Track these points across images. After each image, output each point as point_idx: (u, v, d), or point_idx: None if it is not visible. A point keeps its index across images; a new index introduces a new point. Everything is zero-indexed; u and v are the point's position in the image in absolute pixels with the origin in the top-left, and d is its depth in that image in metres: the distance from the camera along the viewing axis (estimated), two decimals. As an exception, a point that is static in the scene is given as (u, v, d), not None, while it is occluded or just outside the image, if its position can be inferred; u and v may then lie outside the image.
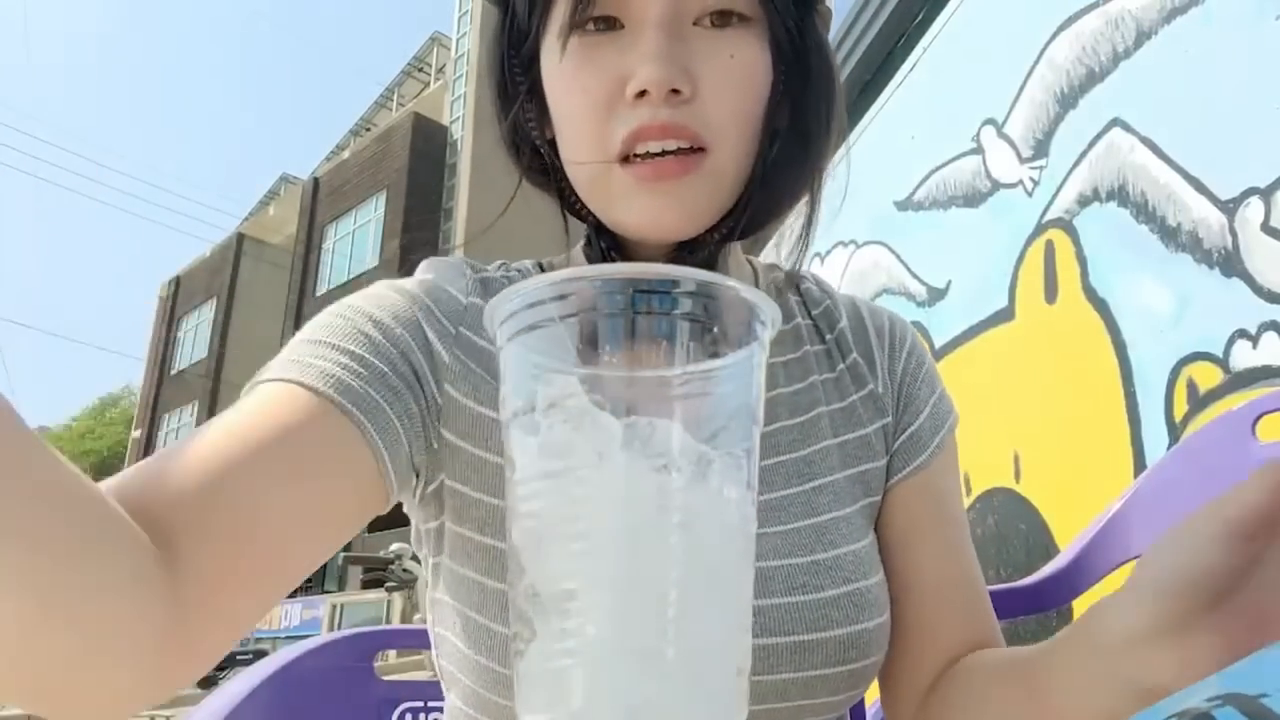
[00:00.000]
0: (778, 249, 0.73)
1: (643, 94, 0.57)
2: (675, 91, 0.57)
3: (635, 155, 0.59)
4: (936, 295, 2.58)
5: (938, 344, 2.55)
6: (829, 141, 0.67)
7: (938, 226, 2.62)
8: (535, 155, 0.68)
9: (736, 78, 0.59)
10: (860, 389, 0.72)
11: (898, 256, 2.87)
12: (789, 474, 0.68)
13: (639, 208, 0.60)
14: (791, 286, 0.77)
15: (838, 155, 0.69)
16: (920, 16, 3.02)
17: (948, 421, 0.74)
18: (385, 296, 0.62)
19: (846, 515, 0.67)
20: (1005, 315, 2.19)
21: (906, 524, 0.70)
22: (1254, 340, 1.41)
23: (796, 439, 0.69)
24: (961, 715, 0.62)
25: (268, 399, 0.53)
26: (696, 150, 0.59)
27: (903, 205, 2.82)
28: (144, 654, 0.42)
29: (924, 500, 0.71)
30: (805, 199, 0.68)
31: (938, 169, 2.61)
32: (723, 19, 0.59)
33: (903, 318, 0.81)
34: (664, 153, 0.58)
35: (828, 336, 0.74)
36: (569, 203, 0.69)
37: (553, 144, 0.67)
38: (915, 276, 2.73)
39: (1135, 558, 1.00)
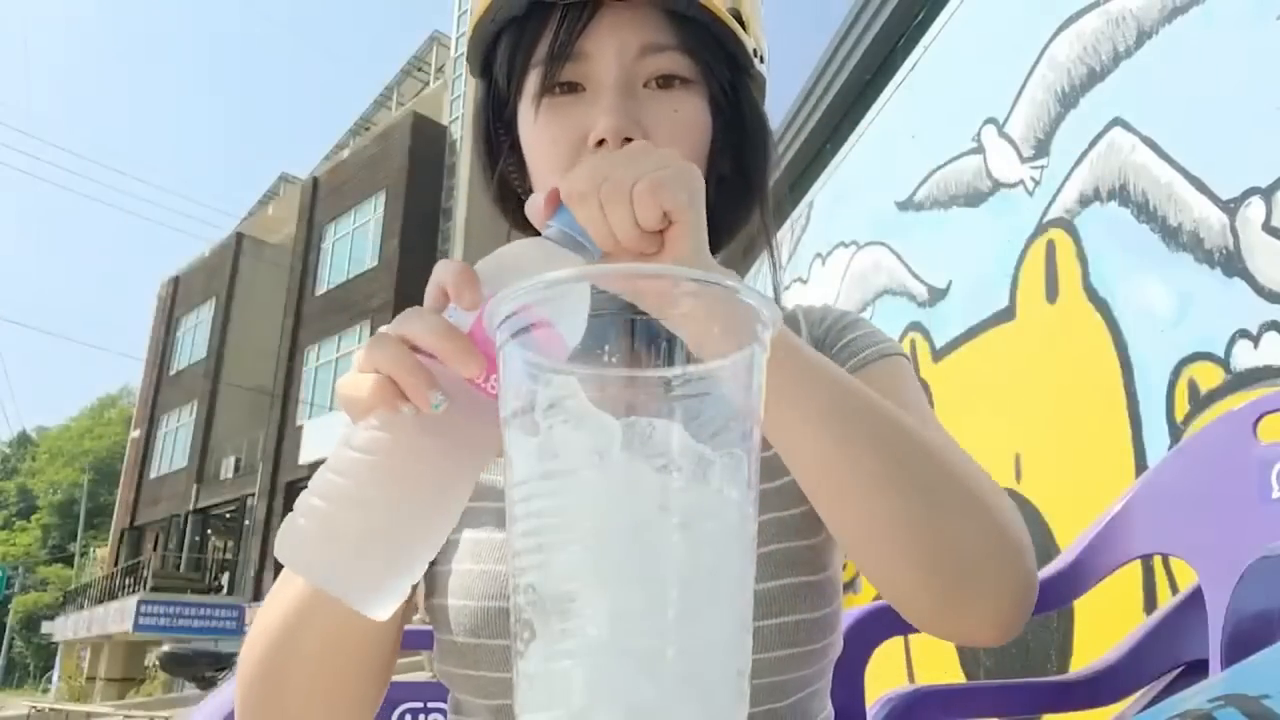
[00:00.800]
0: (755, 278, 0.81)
1: (601, 142, 0.68)
2: (628, 139, 0.68)
3: None
4: (937, 295, 2.58)
5: (938, 344, 2.54)
6: (767, 185, 0.80)
7: (938, 226, 2.61)
8: (519, 204, 0.80)
9: (680, 128, 0.71)
10: None
11: (898, 257, 2.87)
12: None
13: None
14: None
15: (798, 210, 0.80)
16: (920, 16, 3.02)
17: (876, 348, 0.78)
18: None
19: (775, 487, 0.73)
20: (1006, 315, 2.19)
21: None
22: (1255, 340, 1.41)
23: None
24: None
25: None
26: None
27: (903, 205, 2.82)
28: None
29: None
30: (761, 240, 0.81)
31: (938, 169, 2.60)
32: (667, 81, 0.71)
33: (844, 309, 0.86)
34: None
35: None
36: None
37: (530, 193, 0.77)
38: (916, 276, 2.73)
39: (1137, 558, 1.00)
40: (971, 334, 2.35)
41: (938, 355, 2.53)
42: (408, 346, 0.48)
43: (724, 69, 0.74)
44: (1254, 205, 1.43)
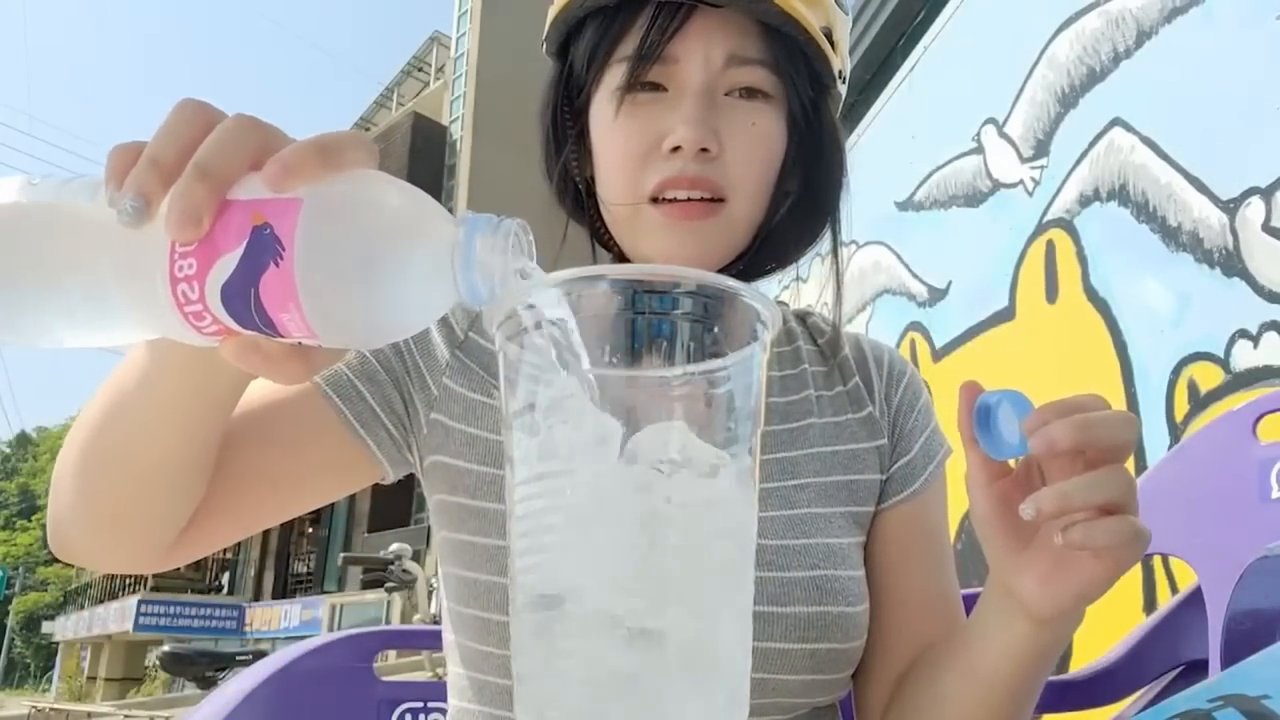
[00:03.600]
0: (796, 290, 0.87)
1: (677, 149, 0.68)
2: (704, 150, 0.68)
3: (664, 199, 0.70)
4: (937, 295, 2.58)
5: (938, 344, 2.55)
6: (838, 204, 0.78)
7: (938, 226, 2.61)
8: (577, 191, 0.79)
9: (756, 143, 0.71)
10: (858, 410, 0.80)
11: (898, 256, 2.87)
12: (771, 471, 0.74)
13: (662, 242, 0.71)
14: (797, 318, 0.87)
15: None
16: (920, 16, 3.02)
17: (939, 455, 0.81)
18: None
19: (826, 514, 0.74)
20: (1006, 315, 2.19)
21: (897, 544, 0.78)
22: (1255, 340, 1.41)
23: (785, 441, 0.76)
24: (914, 698, 0.71)
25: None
26: (717, 200, 0.70)
27: (903, 205, 2.82)
28: (168, 537, 0.63)
29: (914, 525, 0.79)
30: (829, 260, 0.81)
31: (938, 169, 2.60)
32: (748, 94, 0.71)
33: (901, 355, 0.87)
34: (689, 199, 0.69)
35: (831, 361, 0.83)
36: (599, 234, 0.79)
37: (590, 181, 0.77)
38: (916, 276, 2.73)
39: (1136, 558, 1.00)
40: (971, 334, 2.35)
41: (938, 355, 2.53)
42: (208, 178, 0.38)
43: (807, 86, 0.72)
44: (1254, 205, 1.44)
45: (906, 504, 0.78)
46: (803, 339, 0.84)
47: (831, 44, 0.72)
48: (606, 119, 0.72)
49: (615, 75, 0.71)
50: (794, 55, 0.71)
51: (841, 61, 0.74)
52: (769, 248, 0.76)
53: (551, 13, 0.75)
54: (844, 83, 0.76)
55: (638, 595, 0.38)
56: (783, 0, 0.68)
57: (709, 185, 0.69)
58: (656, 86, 0.70)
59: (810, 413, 0.78)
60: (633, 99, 0.71)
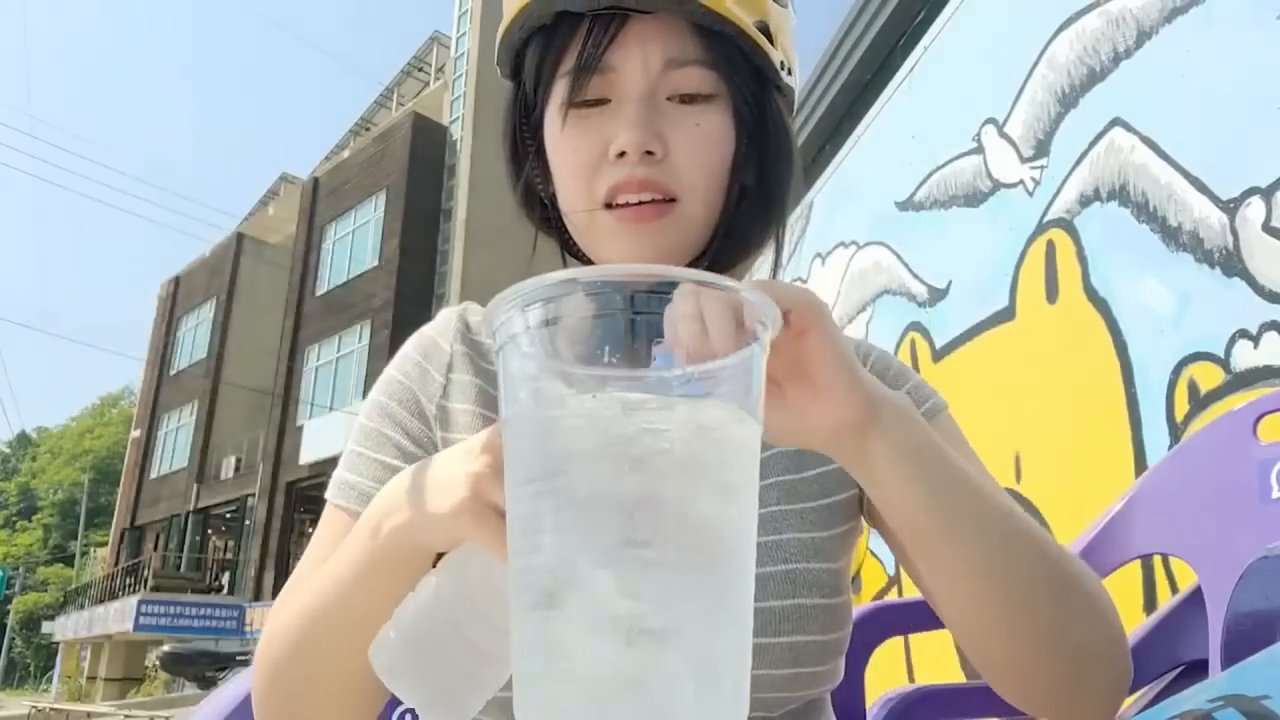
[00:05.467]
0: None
1: (623, 154, 0.70)
2: (649, 153, 0.70)
3: (616, 204, 0.71)
4: (937, 295, 2.58)
5: (938, 344, 2.54)
6: (790, 198, 0.80)
7: (938, 226, 2.61)
8: (543, 207, 0.82)
9: (701, 142, 0.72)
10: None
11: (898, 256, 2.87)
12: None
13: (620, 246, 0.72)
14: None
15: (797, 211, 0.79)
16: (920, 16, 3.02)
17: (931, 402, 0.79)
18: (391, 383, 0.80)
19: (798, 510, 0.75)
20: (1006, 315, 2.19)
21: None
22: (1255, 340, 1.41)
23: None
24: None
25: (333, 528, 0.74)
26: (669, 200, 0.71)
27: (903, 205, 2.82)
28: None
29: None
30: (771, 247, 0.81)
31: (938, 169, 2.60)
32: (691, 95, 0.72)
33: (879, 348, 0.86)
34: (640, 202, 0.71)
35: None
36: (568, 246, 0.81)
37: (554, 197, 0.78)
38: (916, 276, 2.73)
39: (1137, 557, 1.00)
40: (971, 334, 2.35)
41: (938, 355, 2.53)
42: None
43: (749, 82, 0.74)
44: (1254, 205, 1.44)
45: None
46: None
47: (770, 38, 0.73)
48: (556, 132, 0.74)
49: (561, 90, 0.73)
50: (731, 53, 0.72)
51: (783, 54, 0.75)
52: (730, 243, 0.77)
53: (499, 35, 0.77)
54: (790, 75, 0.77)
55: (640, 595, 0.38)
56: (712, 1, 0.69)
57: (658, 186, 0.71)
58: (600, 99, 0.72)
59: None
60: (577, 112, 0.72)
